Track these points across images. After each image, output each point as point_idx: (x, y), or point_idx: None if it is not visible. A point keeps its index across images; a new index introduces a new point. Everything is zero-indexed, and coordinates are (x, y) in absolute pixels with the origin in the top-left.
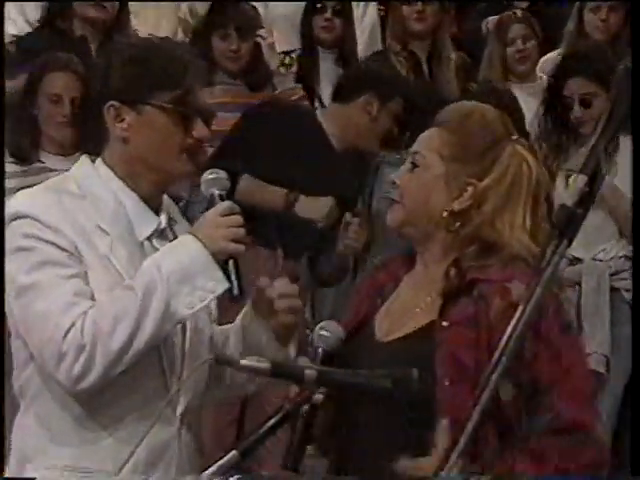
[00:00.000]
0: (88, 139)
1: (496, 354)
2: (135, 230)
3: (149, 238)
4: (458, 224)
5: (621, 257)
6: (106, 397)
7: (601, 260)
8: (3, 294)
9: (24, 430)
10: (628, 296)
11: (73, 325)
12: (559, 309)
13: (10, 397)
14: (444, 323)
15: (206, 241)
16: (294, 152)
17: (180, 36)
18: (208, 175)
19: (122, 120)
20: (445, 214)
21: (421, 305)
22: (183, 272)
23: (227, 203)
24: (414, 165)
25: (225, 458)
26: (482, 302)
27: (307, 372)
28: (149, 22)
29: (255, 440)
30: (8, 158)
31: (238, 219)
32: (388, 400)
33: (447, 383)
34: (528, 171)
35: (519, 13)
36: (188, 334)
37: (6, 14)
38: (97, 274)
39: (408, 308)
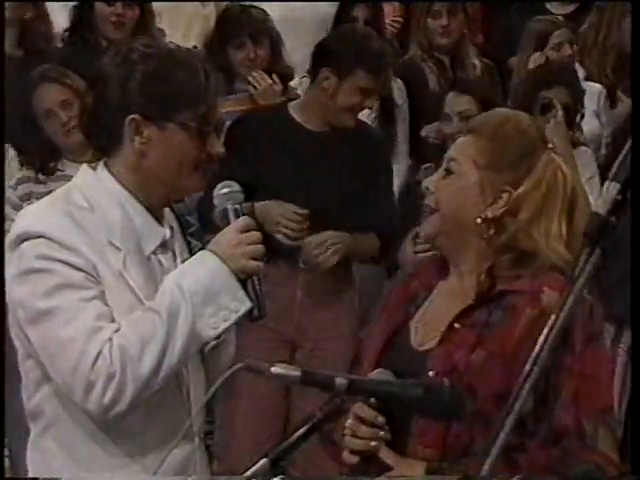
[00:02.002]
0: (96, 146)
1: (528, 363)
2: (142, 244)
3: (154, 252)
4: (492, 231)
5: None
6: (128, 419)
7: None
8: (3, 294)
9: (44, 453)
10: None
11: (100, 352)
12: (588, 318)
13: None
14: (456, 325)
15: (226, 259)
16: (275, 155)
17: None
18: (221, 189)
19: (141, 134)
20: (479, 221)
21: (452, 315)
22: (206, 292)
23: (245, 219)
24: (448, 171)
25: (256, 466)
26: (508, 311)
27: (338, 380)
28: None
29: (286, 448)
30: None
31: (257, 235)
32: (419, 409)
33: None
34: (563, 179)
35: (561, 19)
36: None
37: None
38: (113, 292)
39: (442, 319)
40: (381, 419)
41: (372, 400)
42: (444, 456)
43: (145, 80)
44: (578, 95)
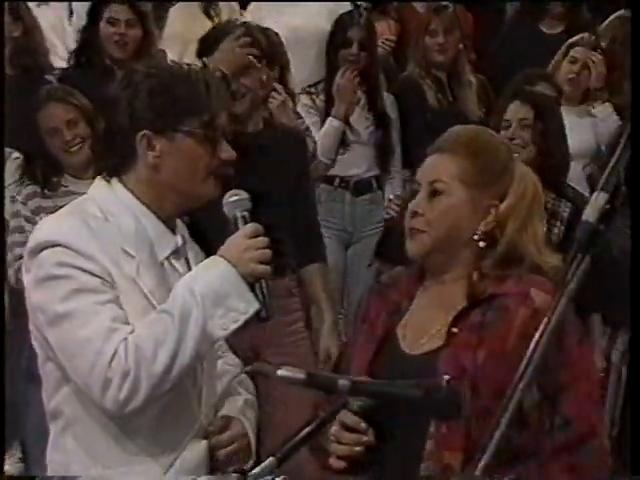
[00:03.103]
0: (105, 164)
1: (522, 363)
2: (156, 251)
3: (168, 258)
4: (482, 244)
5: None
6: (143, 416)
7: None
8: (3, 294)
9: (63, 452)
10: None
11: (116, 352)
12: (578, 321)
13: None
14: (454, 330)
15: (236, 263)
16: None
17: None
18: (230, 197)
19: (153, 148)
20: (476, 237)
21: (443, 320)
22: (216, 295)
23: (253, 225)
24: (435, 192)
25: (263, 464)
26: (502, 312)
27: (340, 382)
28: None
29: (292, 447)
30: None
31: (265, 240)
32: (418, 409)
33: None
34: (539, 186)
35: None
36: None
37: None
38: (127, 297)
39: (432, 323)
40: (364, 425)
41: (355, 406)
42: (467, 459)
43: (150, 96)
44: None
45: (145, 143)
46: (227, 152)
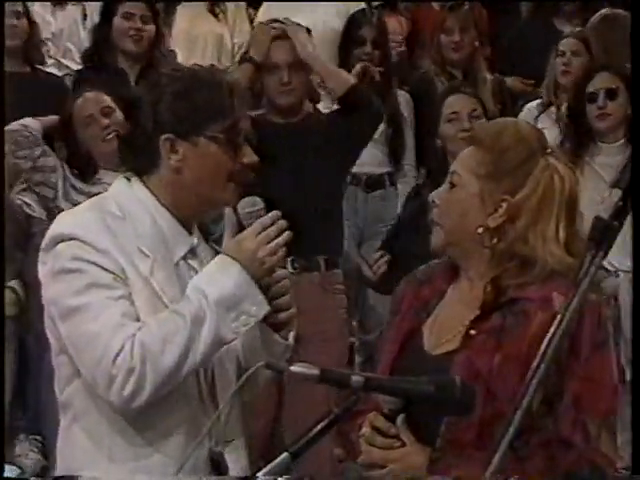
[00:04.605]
0: (128, 164)
1: (534, 363)
2: (171, 251)
3: (184, 257)
4: (495, 240)
5: None
6: (152, 412)
7: None
8: (3, 294)
9: (71, 444)
10: None
11: (122, 348)
12: (596, 324)
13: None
14: (472, 332)
15: (248, 265)
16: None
17: None
18: (246, 208)
19: (176, 152)
20: (480, 230)
21: (466, 321)
22: (229, 299)
23: (261, 221)
24: (451, 185)
25: (277, 460)
26: (521, 316)
27: (354, 378)
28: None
29: (306, 442)
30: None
31: (275, 230)
32: (431, 406)
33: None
34: (560, 183)
35: (577, 29)
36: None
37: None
38: (139, 296)
39: (455, 323)
40: (394, 430)
41: (386, 409)
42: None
43: (174, 100)
44: None
45: (168, 147)
46: (249, 157)
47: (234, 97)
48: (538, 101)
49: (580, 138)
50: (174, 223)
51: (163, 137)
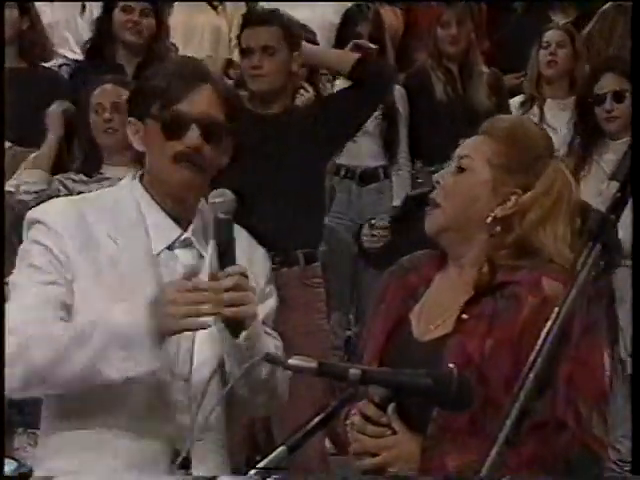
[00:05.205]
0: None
1: (532, 355)
2: (152, 242)
3: (170, 247)
4: (498, 229)
5: None
6: (99, 401)
7: None
8: (3, 293)
9: (40, 438)
10: None
11: (16, 330)
12: (585, 309)
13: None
14: (464, 316)
15: (155, 316)
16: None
17: None
18: (214, 198)
19: (137, 133)
20: (489, 219)
21: (457, 306)
22: (122, 339)
23: (187, 281)
24: (460, 169)
25: (274, 453)
26: (512, 300)
27: (351, 371)
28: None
29: (303, 436)
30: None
31: (197, 296)
32: (428, 399)
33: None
34: (570, 187)
35: (562, 22)
36: (197, 340)
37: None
38: (89, 284)
39: (444, 309)
40: (385, 419)
41: (377, 397)
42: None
43: (138, 85)
44: None
45: (132, 129)
46: (191, 139)
47: (179, 78)
48: (521, 98)
49: (589, 137)
50: (160, 213)
51: (128, 120)
